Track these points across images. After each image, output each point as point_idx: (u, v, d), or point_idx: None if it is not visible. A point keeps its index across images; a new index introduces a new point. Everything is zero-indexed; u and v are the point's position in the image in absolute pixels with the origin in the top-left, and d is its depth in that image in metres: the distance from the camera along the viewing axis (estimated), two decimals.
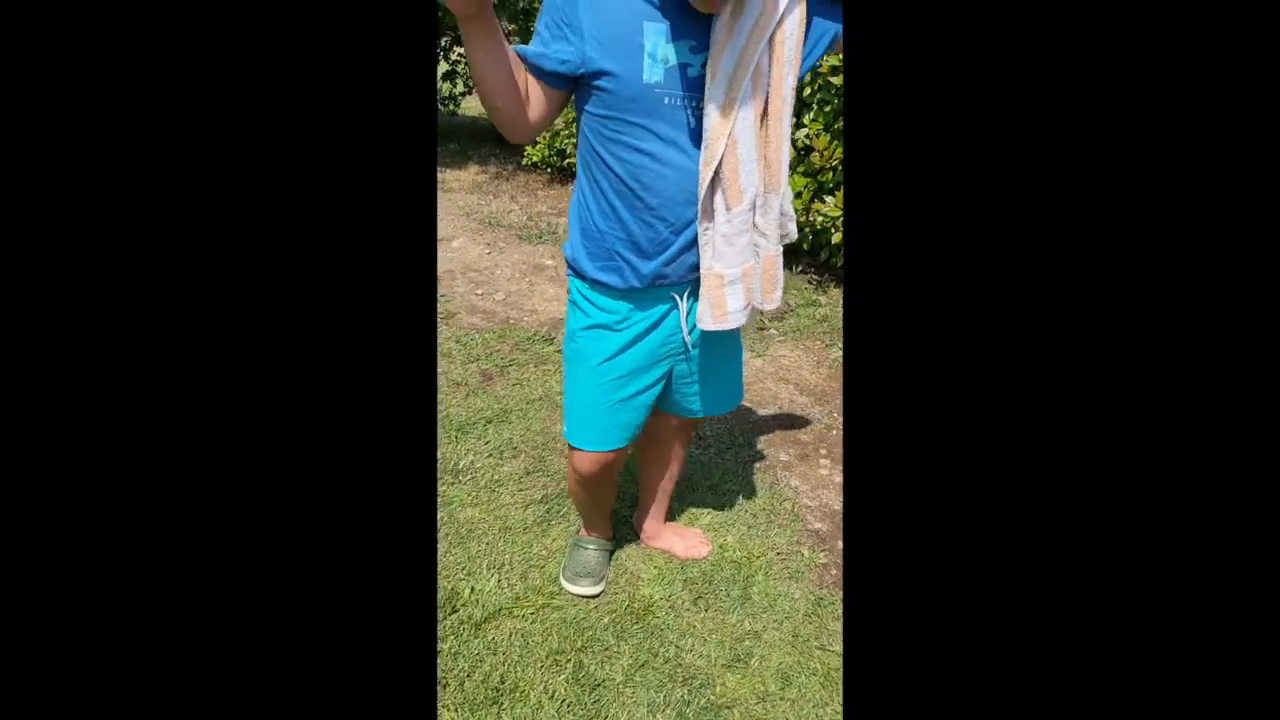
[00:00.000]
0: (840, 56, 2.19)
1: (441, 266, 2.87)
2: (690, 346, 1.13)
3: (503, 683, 1.18)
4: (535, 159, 3.81)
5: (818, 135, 2.41)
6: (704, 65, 0.91)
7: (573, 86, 0.94)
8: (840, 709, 1.16)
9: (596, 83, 0.91)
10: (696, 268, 1.03)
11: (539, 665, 1.21)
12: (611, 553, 1.43)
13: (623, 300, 1.05)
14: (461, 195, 3.75)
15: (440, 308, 2.51)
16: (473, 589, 1.35)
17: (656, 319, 1.07)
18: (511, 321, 2.42)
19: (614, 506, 1.53)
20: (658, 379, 1.13)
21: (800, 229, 2.60)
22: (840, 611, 1.34)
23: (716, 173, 0.94)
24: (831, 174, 2.44)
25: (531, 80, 0.92)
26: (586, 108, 0.95)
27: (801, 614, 1.32)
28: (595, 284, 1.05)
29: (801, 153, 2.51)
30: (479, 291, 2.66)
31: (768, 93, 0.94)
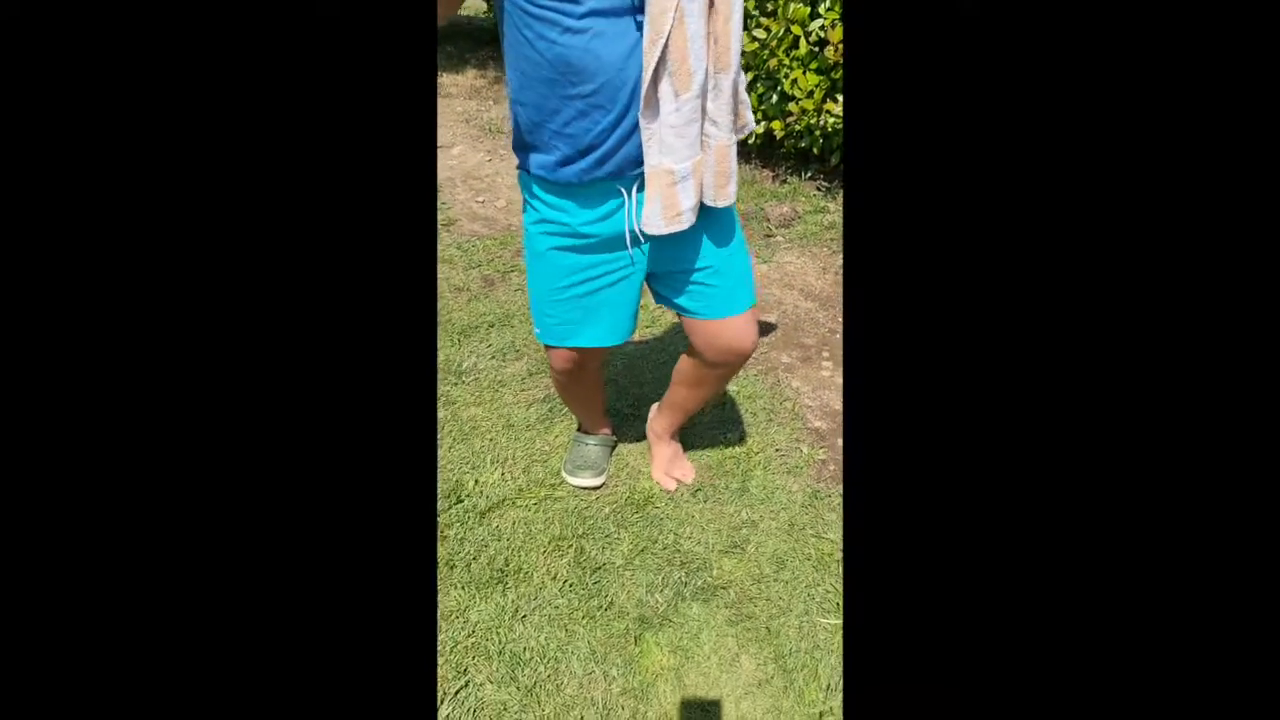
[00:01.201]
0: None
1: (441, 174, 2.80)
2: (640, 242, 1.03)
3: (507, 565, 1.22)
4: None
5: (833, 25, 2.27)
6: None
7: None
8: (831, 588, 1.21)
9: None
10: (639, 161, 0.93)
11: (542, 550, 1.25)
12: (613, 447, 1.45)
13: (566, 197, 0.98)
14: (460, 101, 3.61)
15: (441, 215, 2.46)
16: (476, 481, 1.39)
17: (603, 214, 0.99)
18: (513, 229, 2.38)
19: (609, 404, 1.53)
20: (609, 272, 1.06)
21: (809, 131, 2.49)
22: (836, 503, 1.36)
23: (662, 55, 0.84)
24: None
25: None
26: None
27: (798, 505, 1.36)
28: (538, 179, 0.99)
29: (816, 46, 2.38)
30: (480, 199, 2.61)
31: None
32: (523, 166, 1.00)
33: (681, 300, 1.12)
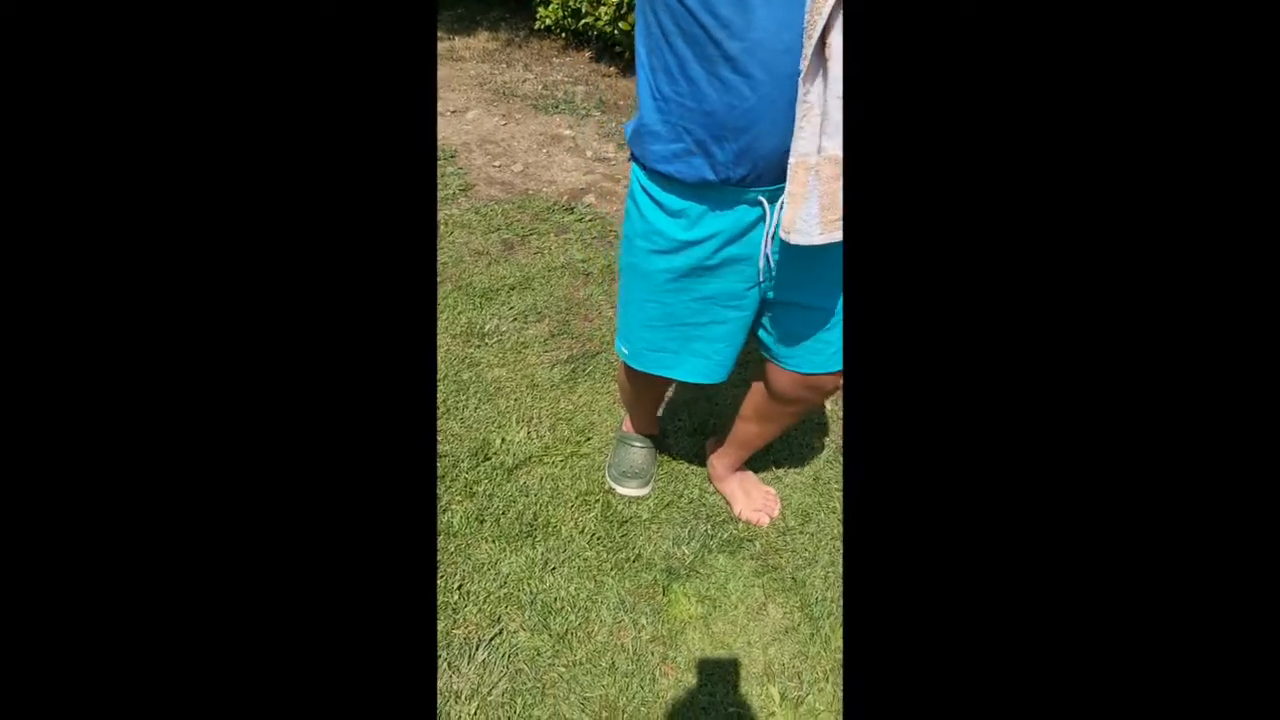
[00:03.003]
0: None
1: (457, 139, 2.79)
2: (770, 270, 0.81)
3: (536, 519, 1.24)
4: (548, 22, 3.58)
5: None
6: None
7: None
8: None
9: None
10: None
11: (569, 505, 1.27)
12: (657, 450, 1.33)
13: (693, 199, 0.76)
14: (473, 64, 3.57)
15: (459, 180, 2.46)
16: (503, 440, 1.41)
17: (735, 233, 0.78)
18: (530, 192, 2.37)
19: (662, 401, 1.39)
20: (732, 305, 0.85)
21: None
22: None
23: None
24: None
25: None
26: None
27: (823, 460, 1.36)
28: (656, 175, 0.77)
29: None
30: (496, 164, 2.59)
31: None
32: (639, 159, 0.79)
33: (775, 343, 0.92)
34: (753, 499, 1.24)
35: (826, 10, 0.60)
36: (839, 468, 1.34)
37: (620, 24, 3.02)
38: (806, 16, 0.61)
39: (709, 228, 0.78)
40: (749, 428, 1.12)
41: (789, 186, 0.69)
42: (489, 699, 1.01)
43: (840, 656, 1.05)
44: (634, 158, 0.80)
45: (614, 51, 3.39)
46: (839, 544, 1.21)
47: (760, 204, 0.76)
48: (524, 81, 3.36)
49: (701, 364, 0.92)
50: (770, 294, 0.86)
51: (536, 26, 3.66)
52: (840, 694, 1.01)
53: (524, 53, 3.70)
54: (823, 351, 0.90)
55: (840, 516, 1.25)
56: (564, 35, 3.71)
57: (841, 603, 1.12)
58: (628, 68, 3.36)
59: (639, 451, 1.27)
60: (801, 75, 0.63)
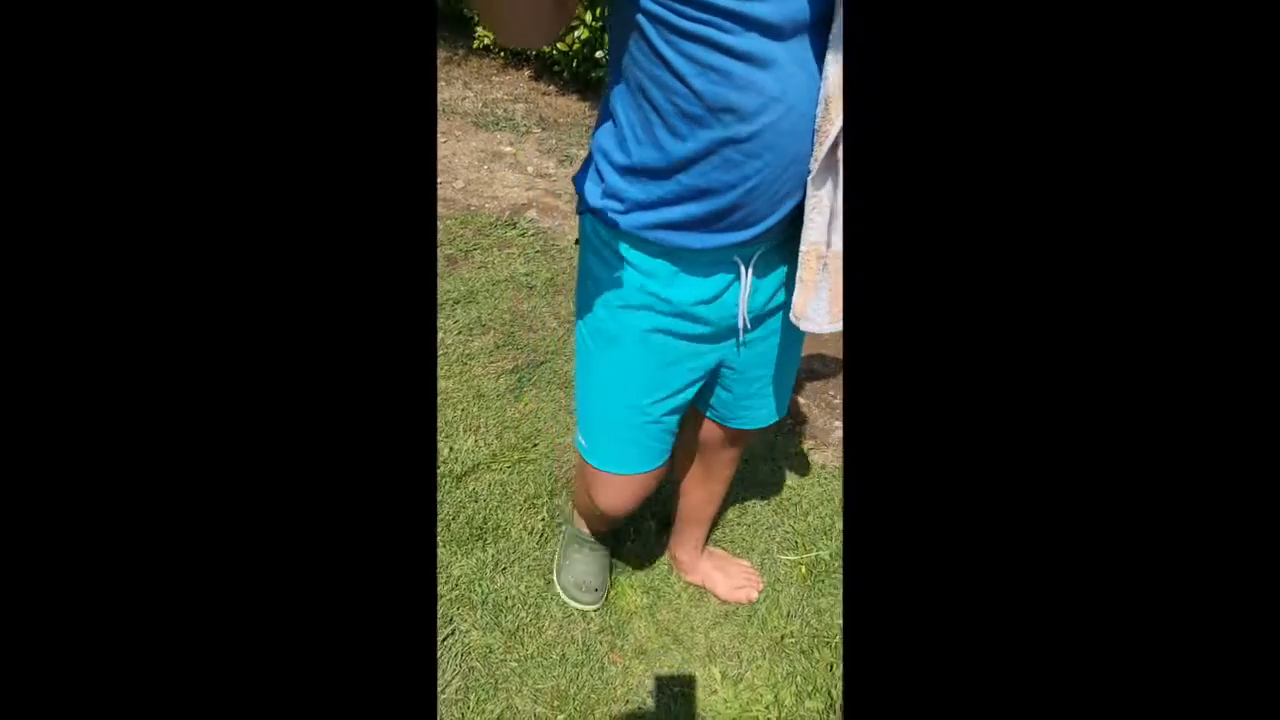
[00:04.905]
0: None
1: None
2: (743, 335, 0.79)
3: (485, 523, 1.29)
4: (487, 41, 3.63)
5: None
6: None
7: None
8: (790, 529, 1.30)
9: None
10: (782, 232, 0.70)
11: (518, 509, 1.32)
12: (612, 552, 1.21)
13: (666, 259, 0.72)
14: None
15: None
16: (451, 449, 1.44)
17: (714, 292, 0.74)
18: (473, 208, 2.41)
19: None
20: (703, 373, 0.82)
21: None
22: (791, 452, 1.46)
23: None
24: None
25: None
26: None
27: (757, 457, 1.45)
28: (632, 238, 0.71)
29: None
30: (438, 180, 2.62)
31: None
32: (603, 218, 0.72)
33: (717, 404, 0.91)
34: (732, 577, 1.17)
35: (840, 120, 0.59)
36: (771, 464, 1.43)
37: (558, 44, 3.09)
38: (818, 123, 0.61)
39: (682, 290, 0.73)
40: (696, 495, 1.09)
41: (800, 273, 0.68)
42: (443, 697, 1.04)
43: (776, 636, 1.13)
44: (588, 210, 0.74)
45: (553, 70, 3.46)
46: (773, 533, 1.29)
47: (736, 264, 0.72)
48: (464, 99, 3.39)
49: (650, 449, 0.85)
50: (731, 359, 0.84)
51: (475, 45, 3.71)
52: (775, 669, 1.09)
53: (463, 71, 3.73)
54: (766, 406, 0.90)
55: (774, 508, 1.34)
56: (502, 54, 3.76)
57: (775, 587, 1.20)
58: (566, 86, 3.43)
59: (594, 556, 1.15)
60: (811, 175, 0.63)
